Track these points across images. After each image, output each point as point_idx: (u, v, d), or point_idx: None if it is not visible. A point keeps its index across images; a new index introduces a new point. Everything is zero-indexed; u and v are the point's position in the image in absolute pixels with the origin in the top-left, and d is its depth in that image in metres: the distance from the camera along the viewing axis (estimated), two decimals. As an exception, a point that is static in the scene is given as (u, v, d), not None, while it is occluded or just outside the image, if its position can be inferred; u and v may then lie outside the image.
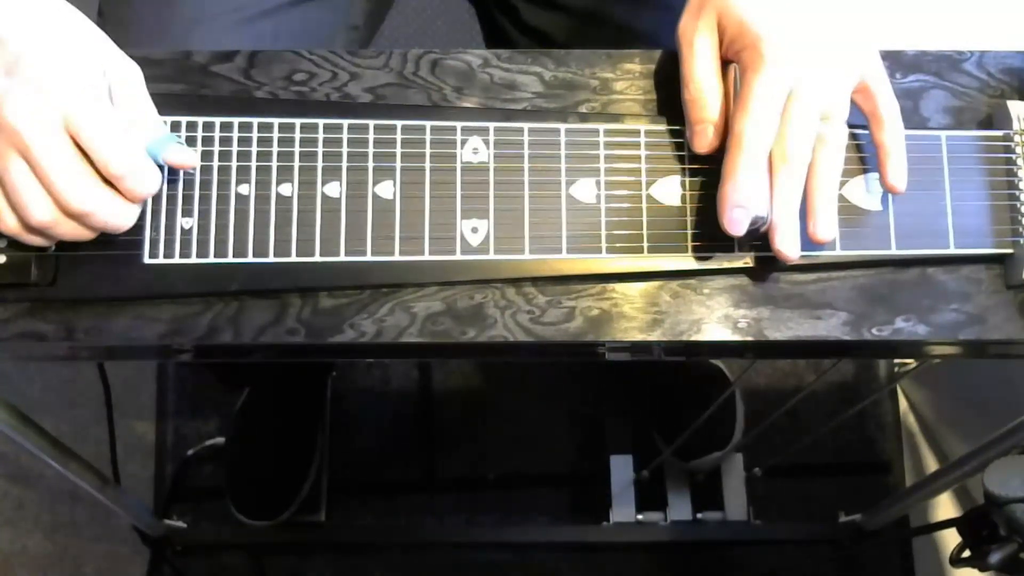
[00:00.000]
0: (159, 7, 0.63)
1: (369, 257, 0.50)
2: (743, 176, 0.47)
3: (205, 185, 0.50)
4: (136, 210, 0.47)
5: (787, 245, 0.49)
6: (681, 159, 0.52)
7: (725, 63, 0.50)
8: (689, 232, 0.51)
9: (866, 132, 0.52)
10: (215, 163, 0.50)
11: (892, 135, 0.50)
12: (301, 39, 0.67)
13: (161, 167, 0.48)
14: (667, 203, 0.51)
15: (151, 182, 0.47)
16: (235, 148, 0.50)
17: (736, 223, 0.48)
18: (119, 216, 0.47)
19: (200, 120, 0.51)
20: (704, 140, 0.50)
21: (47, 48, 0.45)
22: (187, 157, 0.49)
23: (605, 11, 0.69)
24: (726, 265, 0.51)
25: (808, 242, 0.49)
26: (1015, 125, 0.52)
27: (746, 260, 0.51)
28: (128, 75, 0.48)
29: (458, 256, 0.50)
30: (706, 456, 1.12)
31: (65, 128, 0.45)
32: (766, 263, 0.51)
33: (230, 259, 0.50)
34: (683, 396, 1.17)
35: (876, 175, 0.51)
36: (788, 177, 0.48)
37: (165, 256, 0.49)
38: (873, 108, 0.50)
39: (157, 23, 0.63)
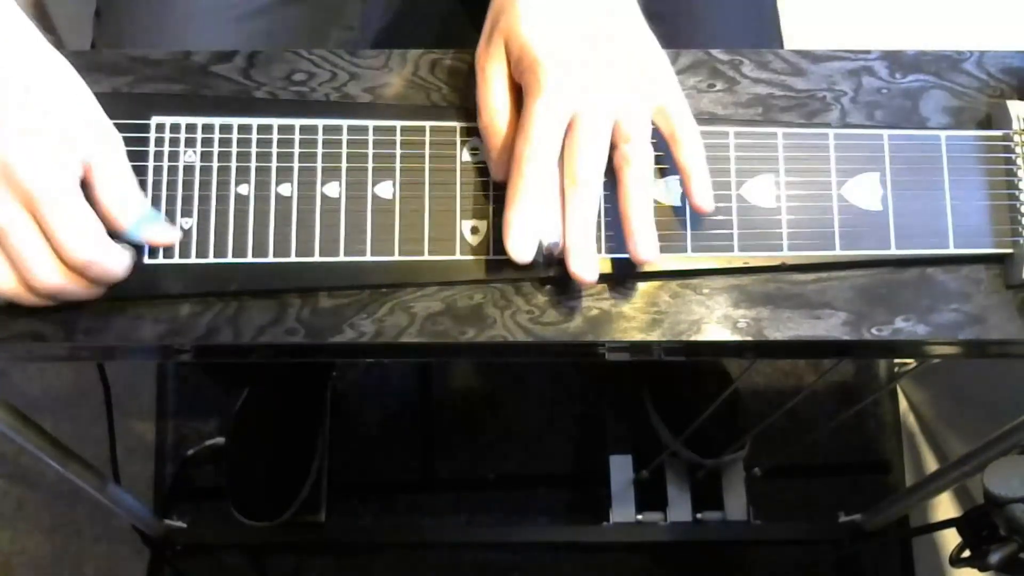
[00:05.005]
0: (154, 4, 0.64)
1: (368, 257, 0.50)
2: (523, 202, 0.46)
3: (204, 185, 0.50)
4: (104, 287, 0.47)
5: (582, 269, 0.47)
6: (681, 159, 0.52)
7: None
8: (688, 232, 0.51)
9: (862, 133, 0.52)
10: (214, 164, 0.50)
11: (691, 156, 0.49)
12: (295, 38, 0.67)
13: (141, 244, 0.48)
14: (666, 203, 0.51)
15: (117, 269, 0.47)
16: (234, 148, 0.51)
17: (519, 249, 0.47)
18: (83, 294, 0.47)
19: (199, 121, 0.51)
20: (499, 169, 0.49)
21: (24, 123, 0.44)
22: (168, 235, 0.49)
23: None
24: (725, 265, 0.51)
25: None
26: (1015, 125, 0.52)
27: (746, 260, 0.51)
28: (111, 152, 0.47)
29: (458, 256, 0.50)
30: (726, 457, 1.12)
31: (28, 212, 0.44)
32: (764, 265, 0.51)
33: (229, 259, 0.50)
34: (690, 388, 1.17)
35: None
36: (578, 200, 0.47)
37: (164, 256, 0.50)
38: (671, 130, 0.50)
39: (152, 20, 0.63)
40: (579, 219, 0.47)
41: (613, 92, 0.48)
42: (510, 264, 0.50)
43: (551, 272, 0.50)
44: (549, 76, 0.46)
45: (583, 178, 0.47)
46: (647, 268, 0.51)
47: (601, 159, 0.47)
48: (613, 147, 0.48)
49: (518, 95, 0.49)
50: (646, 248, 0.48)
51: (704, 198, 0.49)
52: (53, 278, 0.45)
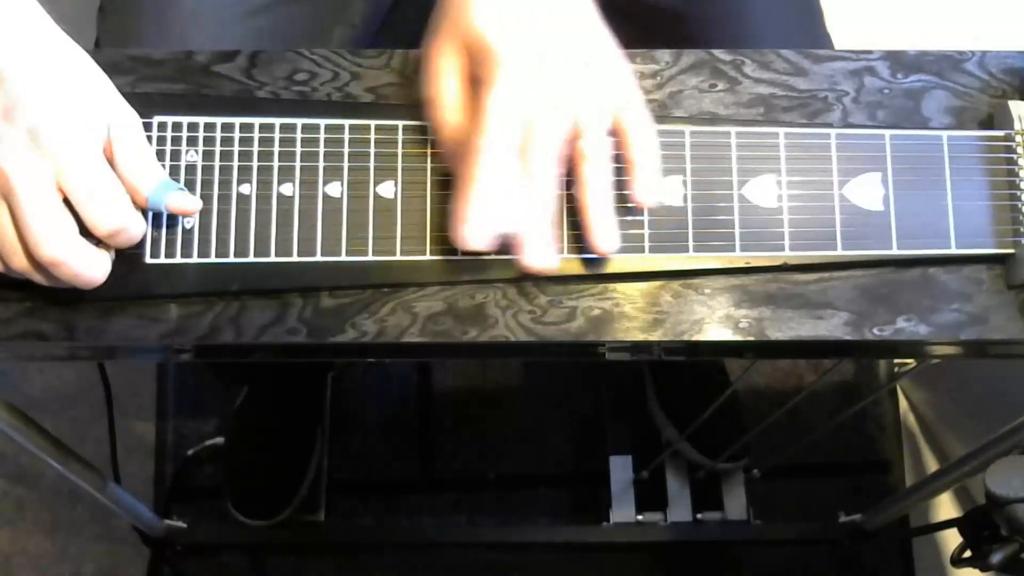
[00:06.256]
0: (159, 1, 0.64)
1: (370, 257, 0.50)
2: (475, 192, 0.46)
3: (207, 185, 0.50)
4: (106, 266, 0.47)
5: (535, 259, 0.48)
6: (682, 159, 0.52)
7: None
8: (690, 232, 0.51)
9: (864, 133, 0.52)
10: (216, 163, 0.50)
11: (641, 151, 0.49)
12: (299, 35, 0.67)
13: (162, 213, 0.49)
14: (668, 203, 0.51)
15: (140, 235, 0.48)
16: (236, 148, 0.51)
17: (468, 238, 0.47)
18: (90, 269, 0.46)
19: (201, 120, 0.51)
20: (456, 161, 0.49)
21: (48, 95, 0.45)
22: (189, 203, 0.49)
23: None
24: (727, 265, 0.51)
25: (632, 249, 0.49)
26: (1016, 125, 0.52)
27: (747, 260, 0.51)
28: (128, 126, 0.48)
29: (459, 256, 0.50)
30: (728, 464, 1.12)
31: (55, 182, 0.45)
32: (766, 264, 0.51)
33: (231, 259, 0.50)
34: (695, 384, 1.17)
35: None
36: (535, 192, 0.47)
37: (166, 256, 0.50)
38: (625, 126, 0.50)
39: (157, 17, 0.63)
40: (534, 208, 0.48)
41: (570, 86, 0.48)
42: (513, 264, 0.50)
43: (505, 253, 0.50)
44: (506, 69, 0.46)
45: (540, 170, 0.47)
46: (627, 268, 0.51)
47: (557, 152, 0.48)
48: (570, 143, 0.49)
49: (470, 88, 0.49)
50: (606, 240, 0.49)
51: (646, 193, 0.49)
52: (58, 245, 0.45)
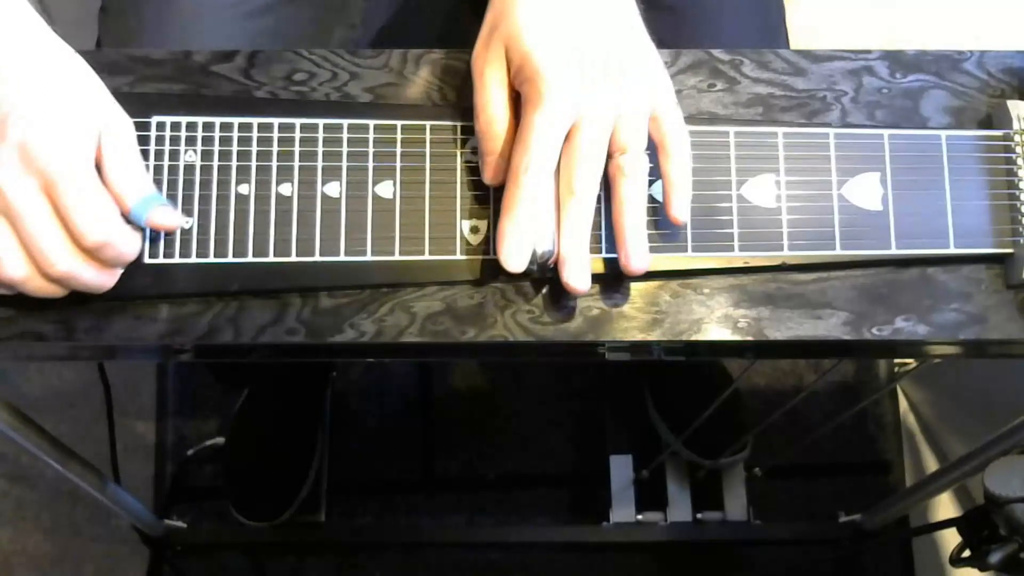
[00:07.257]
0: (160, 1, 0.64)
1: (369, 257, 0.50)
2: (519, 211, 0.47)
3: (205, 185, 0.50)
4: (116, 273, 0.47)
5: (575, 278, 0.48)
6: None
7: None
8: (689, 232, 0.51)
9: (862, 133, 0.52)
10: (215, 163, 0.50)
11: (677, 167, 0.49)
12: (300, 35, 0.67)
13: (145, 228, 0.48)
14: (667, 203, 0.51)
15: (129, 251, 0.47)
16: (235, 148, 0.51)
17: (513, 258, 0.47)
18: (95, 280, 0.47)
19: (200, 120, 0.51)
20: (493, 172, 0.49)
21: (39, 105, 0.45)
22: (172, 219, 0.49)
23: None
24: (726, 265, 0.51)
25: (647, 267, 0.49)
26: (1015, 125, 0.52)
27: (746, 260, 0.51)
28: (121, 135, 0.47)
29: (458, 256, 0.50)
30: (727, 459, 1.12)
31: (45, 193, 0.45)
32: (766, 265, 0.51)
33: (230, 259, 0.50)
34: (691, 386, 1.17)
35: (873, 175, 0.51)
36: (574, 211, 0.47)
37: (165, 256, 0.50)
38: (661, 139, 0.50)
39: (158, 17, 0.64)
40: (574, 229, 0.48)
41: (612, 103, 0.48)
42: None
43: (549, 273, 0.50)
44: (551, 89, 0.46)
45: (580, 189, 0.47)
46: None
47: (598, 171, 0.48)
48: (609, 156, 0.49)
49: (516, 99, 0.49)
50: (638, 260, 0.49)
51: (682, 211, 0.49)
52: (67, 261, 0.45)
